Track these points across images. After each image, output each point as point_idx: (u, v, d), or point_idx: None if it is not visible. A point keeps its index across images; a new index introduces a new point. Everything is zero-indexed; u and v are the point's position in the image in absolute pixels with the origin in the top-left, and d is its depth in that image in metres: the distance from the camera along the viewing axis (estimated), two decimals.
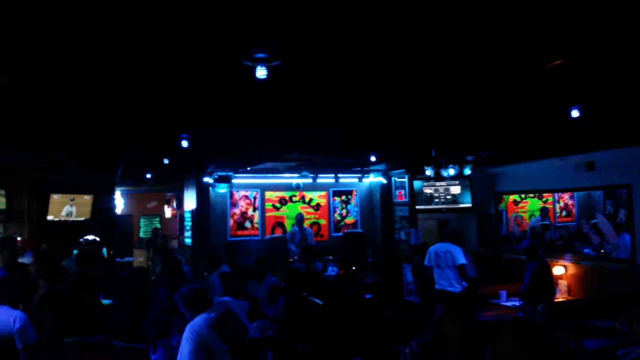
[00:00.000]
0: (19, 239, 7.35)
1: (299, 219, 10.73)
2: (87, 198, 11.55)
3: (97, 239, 8.96)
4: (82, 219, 11.43)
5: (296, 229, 10.61)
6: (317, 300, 5.83)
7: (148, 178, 11.65)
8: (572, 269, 7.46)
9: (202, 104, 4.95)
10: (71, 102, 4.68)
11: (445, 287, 6.84)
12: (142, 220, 16.88)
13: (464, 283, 6.71)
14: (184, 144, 6.45)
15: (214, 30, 3.01)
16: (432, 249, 7.16)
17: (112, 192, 12.63)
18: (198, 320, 3.92)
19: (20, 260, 6.38)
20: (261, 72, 3.47)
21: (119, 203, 14.85)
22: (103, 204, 11.89)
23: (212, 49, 3.35)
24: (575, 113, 5.18)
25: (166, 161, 8.46)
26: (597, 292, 6.98)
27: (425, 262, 7.17)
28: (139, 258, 13.44)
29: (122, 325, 4.64)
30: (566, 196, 11.95)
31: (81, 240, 8.77)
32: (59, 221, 10.82)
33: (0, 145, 6.74)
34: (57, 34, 3.01)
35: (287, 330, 4.86)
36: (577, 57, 3.71)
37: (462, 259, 6.69)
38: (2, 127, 5.62)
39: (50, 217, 10.67)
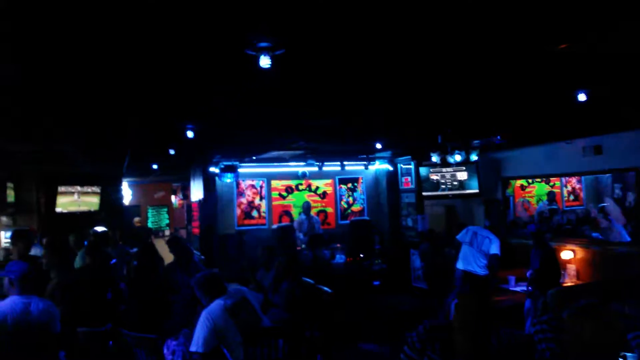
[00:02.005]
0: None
1: (306, 207, 10.75)
2: (95, 189, 11.62)
3: (107, 230, 9.02)
4: (91, 210, 11.50)
5: (304, 217, 10.64)
6: (325, 288, 5.87)
7: (154, 169, 11.69)
8: (580, 253, 7.44)
9: (207, 94, 4.94)
10: (77, 93, 4.68)
11: (471, 267, 6.89)
12: (149, 210, 16.97)
13: (488, 270, 6.82)
14: (190, 134, 6.45)
15: (218, 18, 3.00)
16: (473, 228, 7.28)
17: (120, 183, 12.68)
18: (214, 306, 3.95)
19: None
20: (265, 62, 3.46)
21: (127, 194, 14.93)
22: (111, 195, 11.95)
23: (216, 38, 3.33)
24: (582, 96, 5.14)
25: (172, 152, 8.47)
26: (606, 276, 6.97)
27: (459, 236, 7.25)
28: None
29: (136, 317, 4.68)
30: (574, 180, 11.90)
31: (91, 231, 8.83)
32: (68, 213, 10.90)
33: (8, 138, 6.77)
34: (60, 22, 3.01)
35: (292, 315, 4.90)
36: (584, 39, 3.67)
37: (497, 250, 6.83)
38: (8, 119, 5.64)
39: (58, 209, 10.74)
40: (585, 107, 5.50)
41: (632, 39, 3.69)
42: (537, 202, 11.69)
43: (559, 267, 6.68)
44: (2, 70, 3.86)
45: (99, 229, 9.23)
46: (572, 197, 11.99)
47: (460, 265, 7.06)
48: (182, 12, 2.87)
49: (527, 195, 11.80)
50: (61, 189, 10.81)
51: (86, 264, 5.20)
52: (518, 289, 6.99)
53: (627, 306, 5.48)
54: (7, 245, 8.48)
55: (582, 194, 12.00)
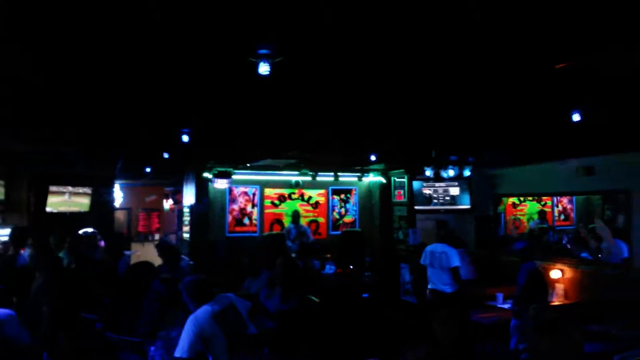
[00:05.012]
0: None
1: (295, 215, 10.74)
2: (87, 190, 11.55)
3: (96, 231, 8.95)
4: (81, 211, 11.43)
5: (292, 225, 10.63)
6: (314, 298, 5.85)
7: (147, 172, 11.64)
8: (569, 272, 7.47)
9: (203, 99, 4.95)
10: (75, 95, 4.68)
11: (437, 287, 6.98)
12: (140, 213, 16.89)
13: (456, 285, 6.84)
14: (185, 138, 6.45)
15: (217, 26, 3.01)
16: (428, 248, 7.32)
17: (112, 185, 12.61)
18: (201, 312, 3.93)
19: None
20: (264, 69, 3.48)
21: (118, 196, 14.85)
22: (102, 197, 11.88)
23: (215, 44, 3.34)
24: (576, 117, 5.19)
25: (166, 155, 8.45)
26: (593, 296, 6.99)
27: (421, 261, 7.33)
28: (136, 252, 13.45)
29: (123, 320, 4.65)
30: (565, 200, 11.97)
31: (80, 233, 8.76)
32: (58, 213, 10.82)
33: (2, 135, 6.74)
34: (64, 23, 3.01)
35: (279, 324, 4.88)
36: (580, 60, 3.72)
37: (456, 262, 6.85)
38: (3, 117, 5.62)
39: (49, 209, 10.67)
40: (579, 128, 5.55)
41: (623, 61, 3.74)
42: (528, 220, 11.74)
43: (546, 285, 6.68)
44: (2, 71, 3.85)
45: (89, 230, 9.16)
46: (562, 217, 12.06)
47: (429, 285, 7.17)
48: (183, 18, 2.89)
49: (518, 213, 11.85)
50: (52, 188, 10.74)
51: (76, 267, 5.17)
52: (506, 306, 6.98)
53: (614, 328, 5.49)
54: None
55: (572, 214, 12.07)
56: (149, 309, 4.57)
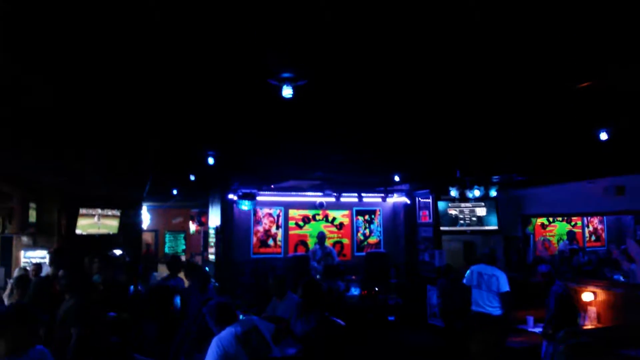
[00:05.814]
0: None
1: (320, 237, 10.72)
2: (115, 213, 11.78)
3: (124, 253, 9.10)
4: (110, 233, 11.64)
5: (317, 247, 10.61)
6: (338, 321, 5.78)
7: (174, 194, 11.82)
8: (601, 295, 7.24)
9: (228, 122, 5.03)
10: (104, 119, 4.80)
11: (484, 309, 6.69)
12: (167, 235, 17.09)
13: (503, 308, 6.59)
14: (210, 160, 6.54)
15: (242, 50, 3.08)
16: (475, 268, 7.02)
17: (139, 207, 12.85)
18: (225, 334, 3.94)
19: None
20: (287, 92, 3.53)
21: (145, 218, 15.09)
22: (130, 219, 12.09)
23: (239, 68, 3.41)
24: (603, 136, 5.10)
25: (192, 177, 8.58)
26: (628, 319, 6.76)
27: (465, 281, 7.05)
28: (163, 273, 13.59)
29: (147, 341, 4.68)
30: (595, 220, 11.69)
31: (109, 254, 8.92)
32: (87, 235, 11.04)
33: (34, 162, 6.93)
34: (91, 49, 3.12)
35: (305, 346, 4.83)
36: (606, 77, 3.67)
37: (507, 287, 6.58)
38: (37, 146, 5.80)
39: (78, 231, 10.89)
40: (609, 146, 5.45)
41: None
42: (558, 241, 11.49)
43: (575, 308, 6.46)
44: (32, 95, 3.99)
45: (117, 252, 9.31)
46: (593, 238, 11.77)
47: (473, 307, 6.91)
48: (207, 42, 2.96)
49: (547, 234, 11.61)
50: (82, 211, 10.99)
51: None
52: (536, 330, 6.80)
53: None
54: (26, 264, 8.59)
55: (603, 235, 11.77)
56: (194, 330, 4.58)
